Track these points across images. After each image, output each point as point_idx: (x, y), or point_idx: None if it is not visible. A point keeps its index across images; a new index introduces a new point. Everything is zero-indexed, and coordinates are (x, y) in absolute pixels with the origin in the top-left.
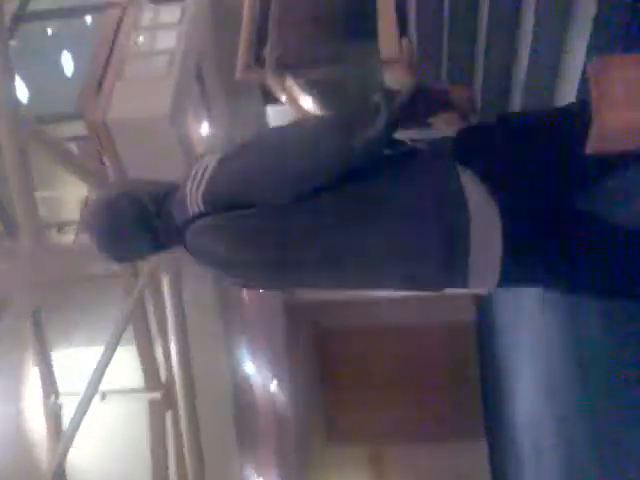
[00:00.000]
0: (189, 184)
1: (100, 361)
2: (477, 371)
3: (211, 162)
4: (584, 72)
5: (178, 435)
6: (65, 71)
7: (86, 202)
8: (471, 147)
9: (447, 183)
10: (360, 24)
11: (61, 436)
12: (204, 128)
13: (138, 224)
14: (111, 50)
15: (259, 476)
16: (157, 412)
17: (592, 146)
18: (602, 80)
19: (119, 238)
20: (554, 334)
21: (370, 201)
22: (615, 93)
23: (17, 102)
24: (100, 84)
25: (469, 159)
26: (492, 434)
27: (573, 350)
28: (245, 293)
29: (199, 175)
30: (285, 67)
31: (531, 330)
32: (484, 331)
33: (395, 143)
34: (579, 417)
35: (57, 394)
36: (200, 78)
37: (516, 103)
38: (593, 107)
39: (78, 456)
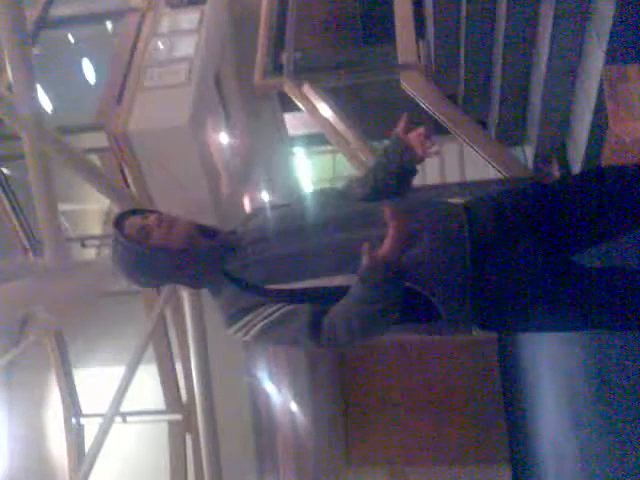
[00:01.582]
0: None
1: (121, 382)
2: (501, 392)
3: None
4: (601, 80)
5: (198, 457)
6: (87, 79)
7: (109, 215)
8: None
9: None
10: (377, 29)
11: (83, 458)
12: (223, 136)
13: (172, 278)
14: (131, 58)
15: None
16: (177, 434)
17: (607, 157)
18: (618, 91)
19: (147, 278)
20: (577, 354)
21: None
22: (632, 104)
23: (41, 112)
24: (120, 94)
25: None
26: (516, 458)
27: (595, 376)
28: None
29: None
30: (303, 73)
31: (552, 351)
32: (506, 346)
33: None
34: (601, 440)
35: (79, 415)
36: (219, 85)
37: (536, 112)
38: (609, 117)
39: (99, 478)
